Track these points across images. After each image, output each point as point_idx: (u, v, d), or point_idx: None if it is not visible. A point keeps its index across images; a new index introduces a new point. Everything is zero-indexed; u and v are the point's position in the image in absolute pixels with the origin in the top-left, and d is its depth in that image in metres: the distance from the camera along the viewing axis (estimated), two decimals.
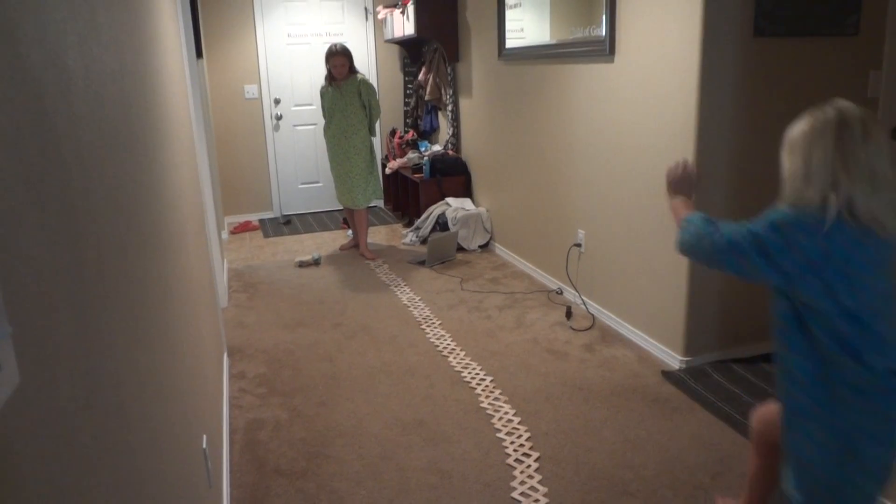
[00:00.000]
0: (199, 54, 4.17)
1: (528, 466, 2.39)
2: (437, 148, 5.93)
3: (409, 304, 4.04)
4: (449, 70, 5.62)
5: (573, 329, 3.59)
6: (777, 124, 2.21)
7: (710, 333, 3.11)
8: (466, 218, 5.08)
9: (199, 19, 5.07)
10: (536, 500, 2.21)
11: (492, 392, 2.93)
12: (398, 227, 6.03)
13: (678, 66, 2.88)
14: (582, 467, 2.38)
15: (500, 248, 5.03)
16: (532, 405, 2.81)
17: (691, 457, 2.41)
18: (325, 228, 6.10)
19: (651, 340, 3.28)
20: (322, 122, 5.26)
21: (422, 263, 4.82)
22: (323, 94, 4.89)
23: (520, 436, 2.58)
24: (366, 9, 6.49)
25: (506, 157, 4.75)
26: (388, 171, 6.10)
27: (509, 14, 4.39)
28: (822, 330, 1.45)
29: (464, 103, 5.49)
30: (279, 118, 6.46)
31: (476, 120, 5.26)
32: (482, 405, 2.82)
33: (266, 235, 5.93)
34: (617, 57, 3.30)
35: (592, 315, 3.76)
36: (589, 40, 3.49)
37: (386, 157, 6.60)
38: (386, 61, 6.68)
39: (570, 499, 2.22)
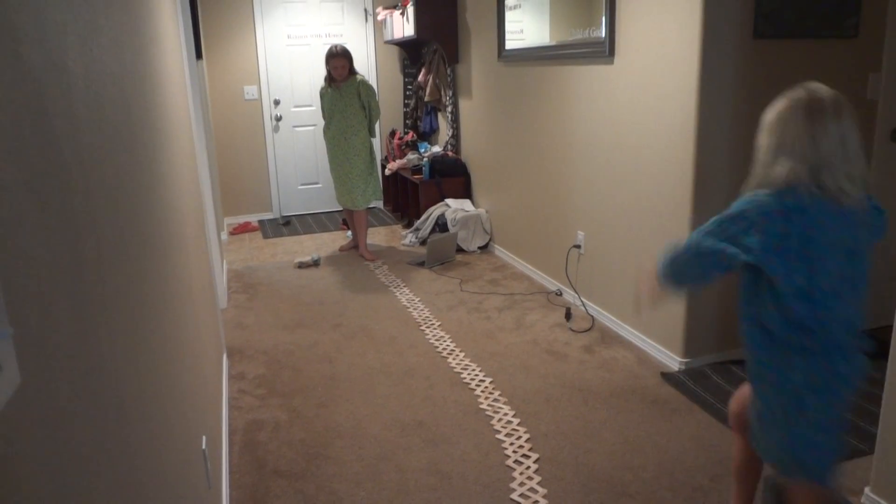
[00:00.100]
0: (198, 55, 4.17)
1: (528, 468, 2.39)
2: (436, 149, 5.93)
3: (408, 305, 4.04)
4: (449, 71, 5.62)
5: (572, 330, 3.59)
6: None
7: (710, 335, 3.11)
8: (466, 219, 5.08)
9: (199, 20, 5.08)
10: (536, 502, 2.20)
11: (491, 393, 2.93)
12: (398, 228, 6.03)
13: (678, 67, 2.88)
14: (581, 468, 2.38)
15: (499, 250, 5.03)
16: (531, 406, 2.81)
17: (690, 458, 2.41)
18: (325, 229, 6.10)
19: (650, 342, 3.28)
20: (322, 123, 5.26)
21: (421, 264, 4.82)
22: (322, 95, 4.90)
23: (519, 437, 2.58)
24: (365, 10, 6.49)
25: (505, 158, 4.75)
26: (387, 172, 6.11)
27: (509, 15, 4.40)
28: (776, 305, 1.56)
29: (463, 104, 5.49)
30: (279, 119, 6.46)
31: (476, 121, 5.26)
32: (481, 406, 2.82)
33: (265, 236, 5.93)
34: (617, 58, 3.30)
35: (592, 316, 3.76)
36: (588, 42, 3.50)
37: (385, 158, 6.61)
38: (386, 62, 6.69)
39: (569, 500, 2.22)
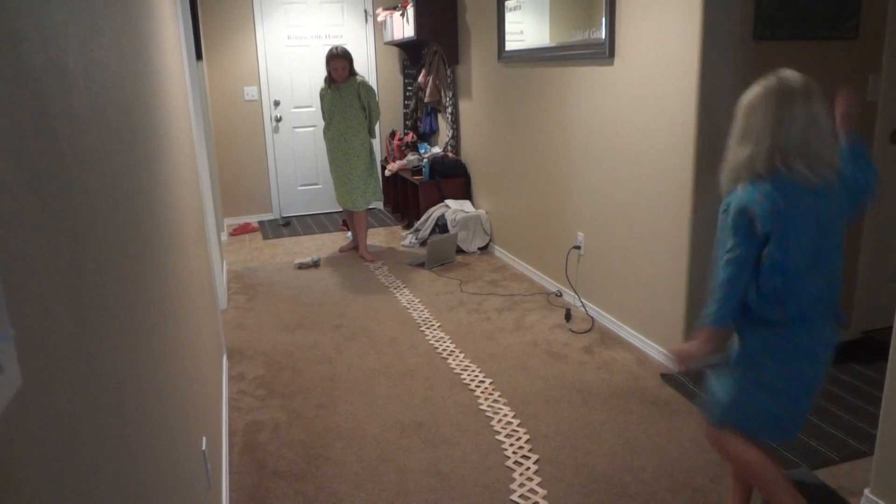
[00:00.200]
0: (198, 56, 4.17)
1: (528, 468, 2.38)
2: (436, 150, 5.93)
3: (408, 305, 4.04)
4: (448, 72, 5.62)
5: (572, 331, 3.59)
6: None
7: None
8: (466, 220, 5.08)
9: (199, 21, 5.08)
10: (535, 503, 2.20)
11: (491, 394, 2.92)
12: (397, 229, 6.03)
13: (678, 69, 2.88)
14: (581, 469, 2.38)
15: (499, 251, 5.03)
16: (531, 407, 2.80)
17: (690, 459, 2.41)
18: (325, 230, 6.10)
19: (650, 343, 3.28)
20: (321, 123, 5.27)
21: (421, 265, 4.82)
22: (322, 96, 4.90)
23: (519, 438, 2.58)
24: (365, 11, 6.49)
25: (505, 159, 4.75)
26: (387, 172, 6.11)
27: (509, 17, 4.40)
28: (754, 280, 1.69)
29: (463, 105, 5.49)
30: (279, 120, 6.47)
31: (475, 122, 5.26)
32: (481, 407, 2.82)
33: (265, 237, 5.93)
34: (616, 60, 3.30)
35: (592, 317, 3.76)
36: (588, 43, 3.50)
37: (385, 158, 6.61)
38: (385, 63, 6.69)
39: (569, 501, 2.22)
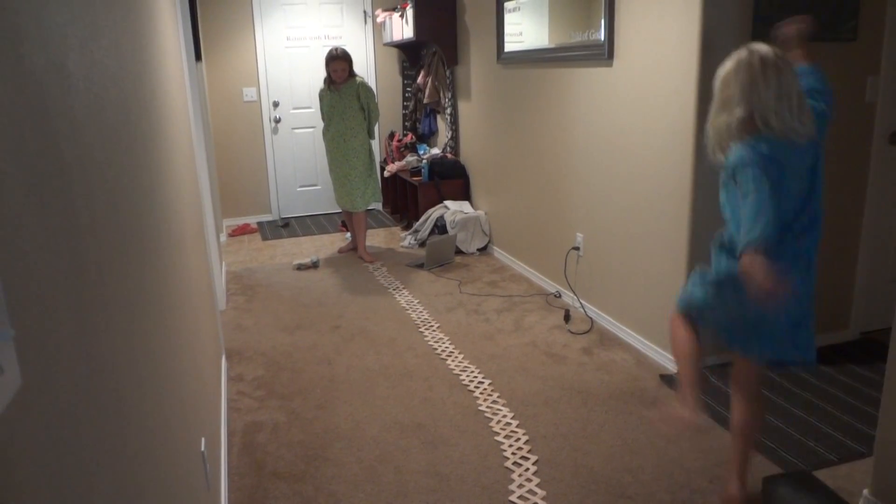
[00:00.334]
0: (198, 57, 4.17)
1: (527, 469, 2.39)
2: (435, 151, 5.93)
3: (407, 306, 4.04)
4: (448, 73, 5.63)
5: (571, 332, 3.59)
6: None
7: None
8: (465, 221, 5.08)
9: (199, 22, 5.08)
10: (534, 503, 2.21)
11: (490, 395, 2.93)
12: (396, 230, 6.03)
13: (677, 70, 2.89)
14: (580, 470, 2.38)
15: (498, 252, 5.03)
16: (530, 408, 2.81)
17: (689, 460, 2.41)
18: (324, 231, 6.10)
19: (649, 344, 3.28)
20: (321, 124, 5.27)
21: (420, 266, 4.82)
22: (322, 97, 4.90)
23: (518, 439, 2.58)
24: (365, 12, 6.50)
25: (504, 160, 4.75)
26: (386, 174, 6.11)
27: (508, 18, 4.40)
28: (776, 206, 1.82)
29: (462, 106, 5.50)
30: (278, 121, 6.47)
31: (475, 123, 5.26)
32: (480, 408, 2.82)
33: (264, 238, 5.93)
34: (616, 61, 3.31)
35: (591, 318, 3.76)
36: (588, 44, 3.50)
37: (384, 160, 6.61)
38: (385, 64, 6.69)
39: (568, 502, 2.22)
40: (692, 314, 2.08)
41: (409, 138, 6.27)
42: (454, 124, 5.67)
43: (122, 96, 1.20)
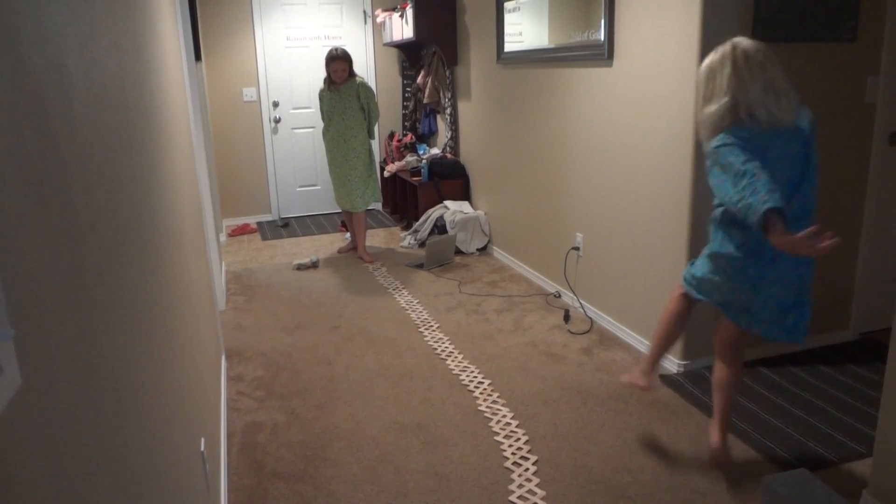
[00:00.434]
0: (197, 57, 4.17)
1: (526, 470, 2.39)
2: (435, 151, 5.93)
3: (407, 307, 4.04)
4: (447, 73, 5.63)
5: (571, 332, 3.59)
6: None
7: (708, 337, 3.11)
8: (465, 221, 5.08)
9: (198, 22, 5.08)
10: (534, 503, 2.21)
11: (490, 395, 2.93)
12: (396, 230, 6.03)
13: (676, 70, 2.89)
14: (580, 471, 2.38)
15: (498, 252, 5.03)
16: (530, 408, 2.81)
17: (689, 460, 2.42)
18: (324, 231, 6.10)
19: (649, 344, 3.28)
20: (320, 124, 5.27)
21: (420, 266, 4.82)
22: (321, 97, 4.90)
23: (518, 439, 2.58)
24: (364, 12, 6.50)
25: (504, 160, 4.75)
26: (386, 174, 6.11)
27: (508, 18, 4.40)
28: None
29: (462, 107, 5.50)
30: (277, 121, 6.47)
31: (474, 123, 5.26)
32: (480, 408, 2.82)
33: (264, 238, 5.93)
34: (616, 61, 3.31)
35: (590, 318, 3.76)
36: (587, 45, 3.50)
37: (384, 160, 6.61)
38: (384, 65, 6.69)
39: (567, 502, 2.22)
40: (692, 284, 2.23)
41: (409, 138, 6.27)
42: (454, 124, 5.67)
43: (122, 96, 1.20)
